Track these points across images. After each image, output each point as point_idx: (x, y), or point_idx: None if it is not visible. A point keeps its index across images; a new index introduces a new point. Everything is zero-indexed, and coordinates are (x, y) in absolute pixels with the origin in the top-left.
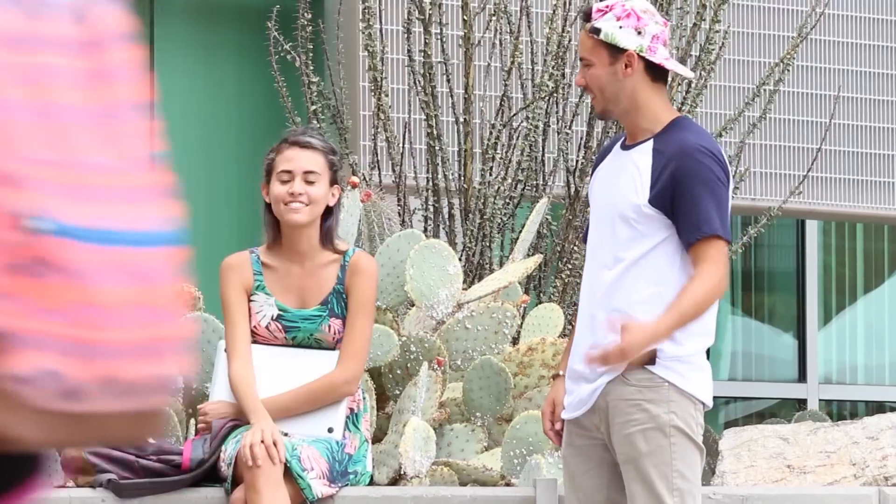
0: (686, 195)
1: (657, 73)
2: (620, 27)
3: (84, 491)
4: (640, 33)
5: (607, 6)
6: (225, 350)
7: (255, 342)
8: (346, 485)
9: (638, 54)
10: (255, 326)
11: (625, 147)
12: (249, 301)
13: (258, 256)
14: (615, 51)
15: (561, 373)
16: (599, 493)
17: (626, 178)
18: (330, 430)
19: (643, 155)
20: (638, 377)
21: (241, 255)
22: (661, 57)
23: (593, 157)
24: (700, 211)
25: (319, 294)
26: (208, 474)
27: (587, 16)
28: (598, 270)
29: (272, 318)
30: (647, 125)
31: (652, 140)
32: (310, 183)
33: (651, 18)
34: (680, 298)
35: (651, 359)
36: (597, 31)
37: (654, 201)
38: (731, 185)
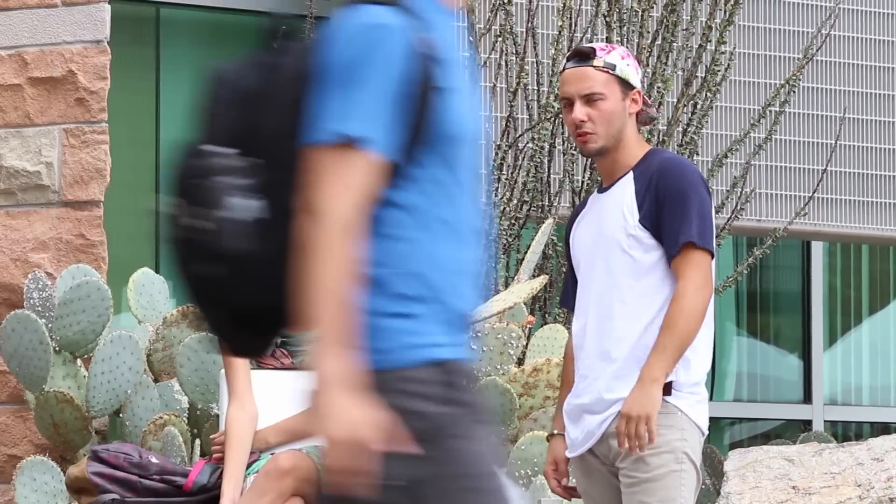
0: (671, 209)
1: (638, 114)
2: (628, 65)
3: None
4: (637, 74)
5: (609, 46)
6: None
7: (261, 368)
8: None
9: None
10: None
11: (602, 191)
12: None
13: None
14: (627, 87)
15: (556, 432)
16: None
17: (611, 211)
18: None
19: (626, 185)
20: None
21: None
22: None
23: (598, 178)
24: (682, 223)
25: None
26: (209, 501)
27: (585, 55)
28: (595, 310)
29: (276, 345)
30: (628, 161)
31: (631, 172)
32: None
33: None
34: (663, 333)
35: (668, 390)
36: (612, 65)
37: (643, 221)
38: (713, 205)
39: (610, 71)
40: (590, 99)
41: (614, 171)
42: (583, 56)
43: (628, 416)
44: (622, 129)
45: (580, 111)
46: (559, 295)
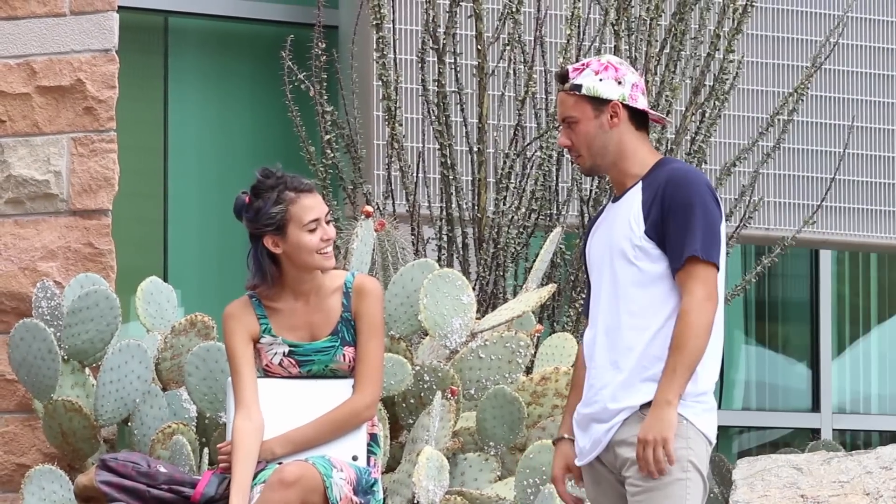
0: (677, 221)
1: (640, 120)
2: (601, 80)
3: None
4: (620, 83)
5: (583, 64)
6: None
7: (269, 376)
8: None
9: (621, 103)
10: (267, 365)
11: (615, 200)
12: (258, 344)
13: (259, 300)
14: (599, 103)
15: (566, 436)
16: None
17: (620, 222)
18: (354, 458)
19: (635, 195)
20: None
21: (242, 302)
22: (643, 104)
23: (607, 187)
24: (687, 235)
25: (328, 325)
26: None
27: (563, 77)
28: (603, 320)
29: (284, 355)
30: (635, 171)
31: (640, 182)
32: (328, 224)
33: (628, 69)
34: (672, 354)
35: None
36: (577, 87)
37: (649, 232)
38: (723, 216)
39: (576, 93)
40: (568, 123)
41: (625, 182)
42: (561, 80)
43: (645, 440)
44: (607, 144)
45: (562, 136)
46: (567, 303)
